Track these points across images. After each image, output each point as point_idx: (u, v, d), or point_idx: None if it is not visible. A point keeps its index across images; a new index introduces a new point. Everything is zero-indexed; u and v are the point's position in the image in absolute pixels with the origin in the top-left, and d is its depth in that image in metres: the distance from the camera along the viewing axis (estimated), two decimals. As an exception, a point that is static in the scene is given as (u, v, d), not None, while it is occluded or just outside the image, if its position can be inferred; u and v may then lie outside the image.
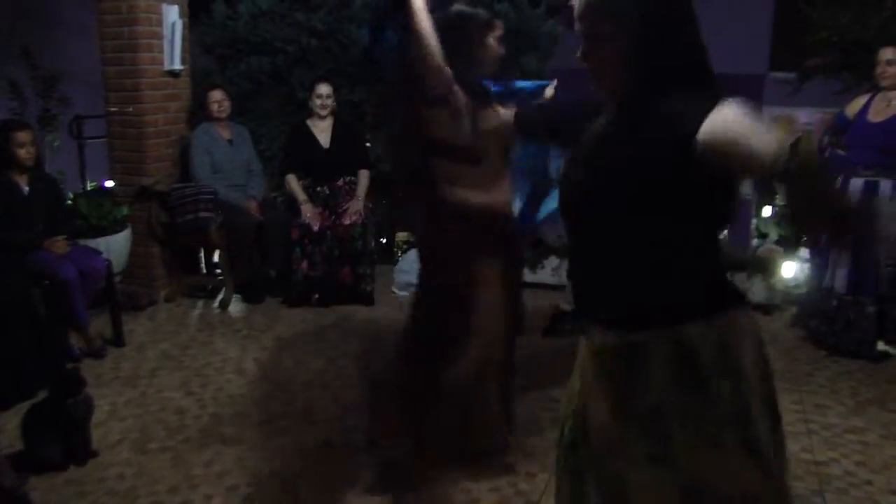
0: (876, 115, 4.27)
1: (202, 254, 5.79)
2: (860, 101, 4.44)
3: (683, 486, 1.60)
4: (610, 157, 1.63)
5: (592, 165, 1.67)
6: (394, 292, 5.65)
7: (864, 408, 3.81)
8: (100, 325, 4.60)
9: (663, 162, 1.51)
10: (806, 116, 5.38)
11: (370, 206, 5.54)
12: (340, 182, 5.48)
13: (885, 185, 4.23)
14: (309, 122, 5.51)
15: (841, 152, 4.54)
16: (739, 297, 1.68)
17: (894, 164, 4.20)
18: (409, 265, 5.68)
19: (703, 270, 1.65)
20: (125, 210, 5.26)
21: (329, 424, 3.57)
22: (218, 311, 5.24)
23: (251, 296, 5.38)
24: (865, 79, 4.87)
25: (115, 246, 5.07)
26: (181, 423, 3.59)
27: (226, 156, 5.45)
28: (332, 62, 5.98)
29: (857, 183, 4.30)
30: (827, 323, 4.46)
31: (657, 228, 1.57)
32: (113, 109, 5.39)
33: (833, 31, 5.22)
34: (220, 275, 5.52)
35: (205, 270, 5.81)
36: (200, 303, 5.42)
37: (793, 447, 3.34)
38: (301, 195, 5.38)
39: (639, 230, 1.58)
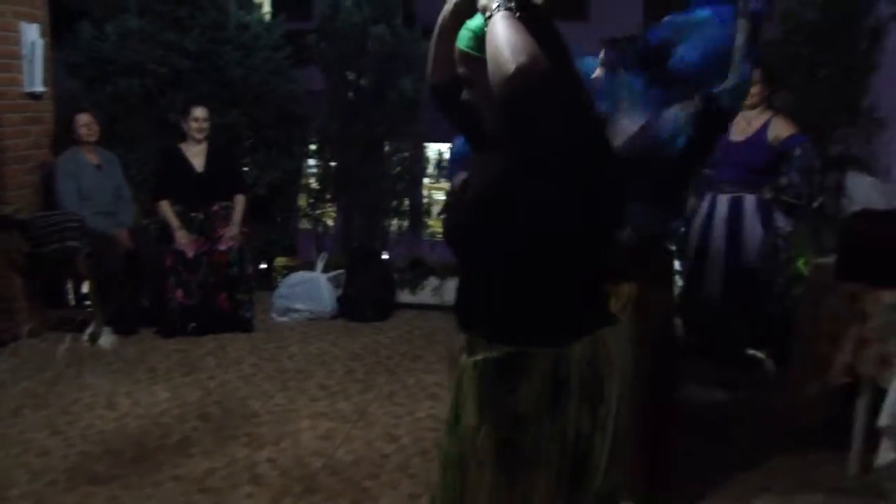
0: (737, 135, 4.46)
1: (69, 285, 5.50)
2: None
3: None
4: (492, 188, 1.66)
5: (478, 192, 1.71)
6: (273, 318, 5.54)
7: (731, 411, 3.98)
8: (-45, 363, 4.31)
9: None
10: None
11: (247, 231, 5.42)
12: (216, 207, 5.34)
13: (748, 200, 4.44)
14: (182, 146, 5.36)
15: (708, 171, 4.74)
16: (609, 315, 1.73)
17: (756, 181, 4.41)
18: (288, 290, 5.59)
19: (583, 288, 1.69)
20: (-18, 241, 4.95)
21: (208, 457, 3.44)
22: (87, 344, 4.98)
23: (123, 327, 5.15)
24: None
25: (-28, 279, 4.77)
26: (46, 464, 3.37)
27: (94, 182, 5.23)
28: (205, 85, 5.86)
29: (723, 199, 4.50)
30: (704, 331, 4.64)
31: (542, 251, 1.60)
32: (-33, 134, 5.08)
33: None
34: (89, 306, 5.25)
35: (73, 302, 5.50)
36: (68, 337, 5.13)
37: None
38: (174, 221, 5.21)
39: (525, 253, 1.62)
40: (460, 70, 1.67)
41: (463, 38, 1.64)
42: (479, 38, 1.58)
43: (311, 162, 6.74)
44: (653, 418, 2.84)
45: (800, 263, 4.79)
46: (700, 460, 3.41)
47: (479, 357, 1.71)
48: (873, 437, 3.07)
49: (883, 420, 2.90)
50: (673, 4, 2.77)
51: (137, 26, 5.81)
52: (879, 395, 3.05)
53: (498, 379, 1.68)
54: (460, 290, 1.82)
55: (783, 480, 3.25)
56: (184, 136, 5.37)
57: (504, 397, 1.67)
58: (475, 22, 1.61)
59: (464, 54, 1.64)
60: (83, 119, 5.24)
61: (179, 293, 5.11)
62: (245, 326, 5.25)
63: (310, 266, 5.93)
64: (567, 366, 1.64)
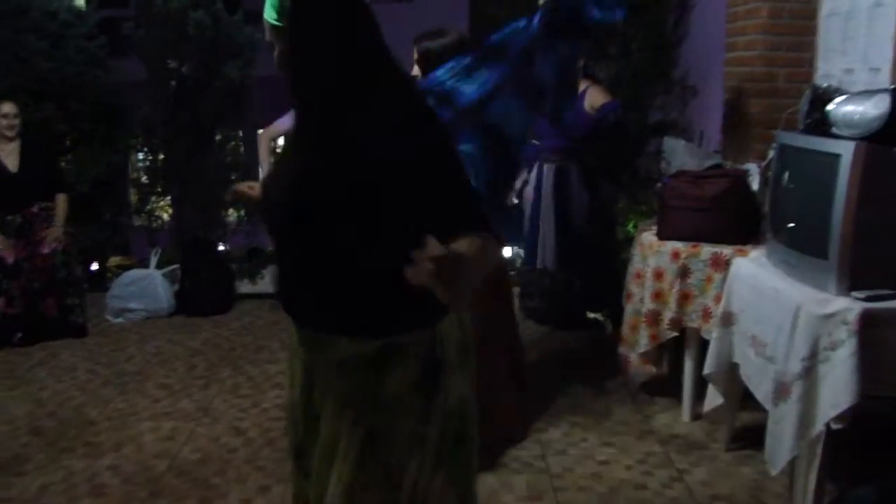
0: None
1: None
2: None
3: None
4: (311, 171, 1.59)
5: (302, 178, 1.61)
6: (108, 320, 5.32)
7: (574, 372, 4.13)
8: None
9: (343, 183, 1.52)
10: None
11: (71, 231, 5.13)
12: (35, 208, 5.01)
13: (573, 170, 4.61)
14: (-8, 146, 5.00)
15: (536, 142, 4.88)
16: None
17: (579, 149, 4.57)
18: (121, 290, 5.37)
19: None
20: None
21: (43, 473, 3.26)
22: None
23: (-62, 344, 4.79)
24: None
25: None
26: None
27: None
28: (11, 78, 5.48)
29: (549, 168, 4.65)
30: (543, 300, 4.80)
31: (373, 240, 1.53)
32: None
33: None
34: None
35: None
36: None
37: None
38: (-12, 227, 4.87)
39: (354, 242, 1.54)
40: (268, 38, 1.69)
41: (268, 11, 1.65)
42: (281, 7, 1.61)
43: (141, 156, 6.46)
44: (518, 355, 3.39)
45: (629, 226, 5.03)
46: (541, 420, 3.54)
47: (343, 353, 1.62)
48: (702, 385, 3.28)
49: (708, 368, 3.09)
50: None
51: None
52: (704, 345, 3.26)
53: (365, 373, 1.62)
54: (288, 284, 1.72)
55: (622, 434, 3.43)
56: (-7, 136, 5.01)
57: (370, 390, 1.62)
58: None
59: (270, 26, 1.66)
60: None
61: (1, 302, 4.80)
62: (77, 331, 5.02)
63: (145, 264, 5.70)
64: (443, 342, 1.62)
